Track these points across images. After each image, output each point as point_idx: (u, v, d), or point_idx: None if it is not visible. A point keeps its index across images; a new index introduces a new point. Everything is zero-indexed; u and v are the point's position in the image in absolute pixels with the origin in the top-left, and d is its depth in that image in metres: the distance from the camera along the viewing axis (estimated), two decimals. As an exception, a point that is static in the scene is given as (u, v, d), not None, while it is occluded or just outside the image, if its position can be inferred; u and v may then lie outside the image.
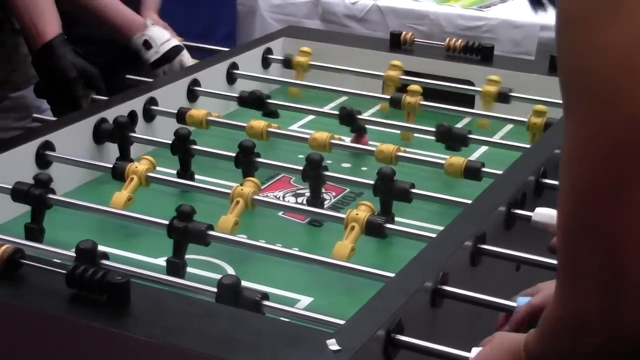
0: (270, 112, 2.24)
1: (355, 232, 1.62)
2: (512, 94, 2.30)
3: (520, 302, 1.33)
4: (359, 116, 2.16)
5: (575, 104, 0.90)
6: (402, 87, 2.36)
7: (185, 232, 1.58)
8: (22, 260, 1.36)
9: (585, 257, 0.91)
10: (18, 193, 1.70)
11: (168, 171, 1.94)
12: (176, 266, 1.57)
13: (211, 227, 1.59)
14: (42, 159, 1.87)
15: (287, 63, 2.53)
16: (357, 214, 1.64)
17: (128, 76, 2.39)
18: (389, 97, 2.29)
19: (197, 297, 1.39)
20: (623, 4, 0.86)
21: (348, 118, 2.16)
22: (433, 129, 2.06)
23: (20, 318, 1.32)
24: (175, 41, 2.41)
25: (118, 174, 1.83)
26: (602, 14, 0.86)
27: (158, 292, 1.37)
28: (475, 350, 1.21)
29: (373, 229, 1.63)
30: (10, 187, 1.71)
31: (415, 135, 2.19)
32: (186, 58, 2.41)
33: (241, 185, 1.75)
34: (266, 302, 1.37)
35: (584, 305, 0.93)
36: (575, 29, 0.89)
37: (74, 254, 1.44)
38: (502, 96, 2.30)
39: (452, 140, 2.04)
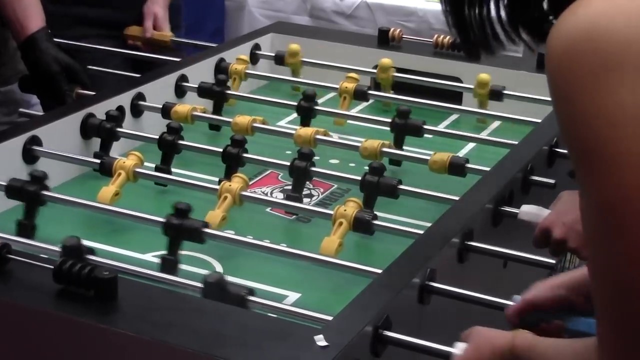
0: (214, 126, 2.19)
1: (342, 228, 1.62)
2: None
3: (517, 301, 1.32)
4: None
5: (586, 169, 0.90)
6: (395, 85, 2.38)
7: (180, 230, 1.57)
8: (8, 255, 1.35)
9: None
10: (11, 189, 1.69)
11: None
12: (170, 263, 1.56)
13: (206, 225, 1.58)
14: (29, 154, 1.86)
15: (279, 60, 2.49)
16: (345, 210, 1.64)
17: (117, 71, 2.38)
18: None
19: (183, 292, 1.39)
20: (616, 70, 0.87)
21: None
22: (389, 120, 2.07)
23: (7, 313, 1.32)
24: None
25: (105, 170, 1.83)
26: (595, 84, 0.87)
27: (146, 288, 1.37)
28: (459, 345, 1.21)
29: (361, 225, 1.63)
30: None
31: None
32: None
33: (229, 181, 1.75)
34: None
35: None
36: (574, 102, 0.89)
37: (60, 250, 1.43)
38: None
39: (406, 131, 2.05)
